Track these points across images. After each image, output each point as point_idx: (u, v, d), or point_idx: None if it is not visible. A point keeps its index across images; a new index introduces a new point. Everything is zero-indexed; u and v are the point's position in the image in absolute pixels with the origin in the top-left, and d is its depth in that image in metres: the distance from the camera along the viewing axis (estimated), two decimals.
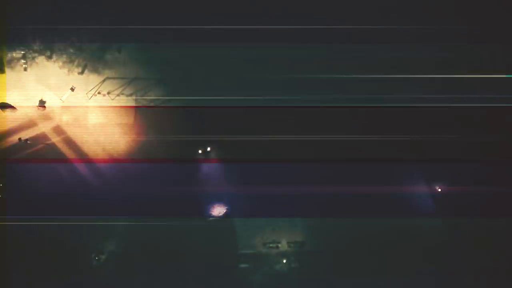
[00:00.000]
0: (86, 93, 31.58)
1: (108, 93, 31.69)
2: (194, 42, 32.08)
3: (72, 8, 32.39)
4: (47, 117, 31.25)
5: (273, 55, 32.02)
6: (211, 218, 30.36)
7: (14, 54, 31.78)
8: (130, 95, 31.74)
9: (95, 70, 31.95)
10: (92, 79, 31.83)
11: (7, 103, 30.59)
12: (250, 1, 32.75)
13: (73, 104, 31.48)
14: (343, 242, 30.14)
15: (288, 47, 32.19)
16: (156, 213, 29.92)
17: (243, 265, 29.65)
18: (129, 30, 32.06)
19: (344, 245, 30.08)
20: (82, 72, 31.98)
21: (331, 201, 30.48)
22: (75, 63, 32.11)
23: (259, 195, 30.46)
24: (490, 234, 30.27)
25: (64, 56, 32.10)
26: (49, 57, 32.06)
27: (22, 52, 31.70)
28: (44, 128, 31.03)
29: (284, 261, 29.86)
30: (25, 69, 31.68)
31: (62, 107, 31.43)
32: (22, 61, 31.56)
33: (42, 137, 30.84)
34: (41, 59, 31.95)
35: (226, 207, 30.50)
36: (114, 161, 30.75)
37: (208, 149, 31.01)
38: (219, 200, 30.57)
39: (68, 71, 31.95)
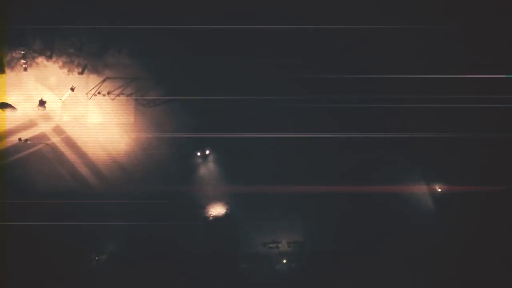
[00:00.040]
0: (86, 93, 31.57)
1: (108, 93, 31.68)
2: None
3: (72, 8, 32.39)
4: (47, 117, 31.24)
5: None
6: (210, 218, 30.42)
7: (14, 54, 31.78)
8: (130, 95, 31.74)
9: (95, 70, 31.94)
10: (92, 79, 31.83)
11: (7, 103, 30.57)
12: None
13: (73, 104, 31.47)
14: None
15: None
16: (156, 212, 30.00)
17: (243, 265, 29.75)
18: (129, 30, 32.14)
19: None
20: (82, 72, 31.97)
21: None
22: (75, 63, 32.10)
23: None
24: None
25: (64, 56, 32.09)
26: (49, 57, 32.06)
27: (22, 52, 31.69)
28: (44, 128, 31.03)
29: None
30: (25, 69, 31.68)
31: (62, 107, 31.43)
32: (22, 61, 31.55)
33: (42, 137, 30.84)
34: (41, 59, 31.95)
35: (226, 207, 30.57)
36: (114, 160, 30.79)
37: (207, 151, 31.03)
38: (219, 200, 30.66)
39: (68, 71, 31.94)
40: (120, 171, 30.72)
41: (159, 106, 31.71)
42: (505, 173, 31.16)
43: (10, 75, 31.56)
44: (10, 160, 30.33)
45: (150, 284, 29.47)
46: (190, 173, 30.97)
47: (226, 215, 30.48)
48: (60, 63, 32.00)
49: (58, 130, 31.05)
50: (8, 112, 30.72)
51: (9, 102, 30.73)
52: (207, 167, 31.13)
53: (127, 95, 31.77)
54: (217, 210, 30.59)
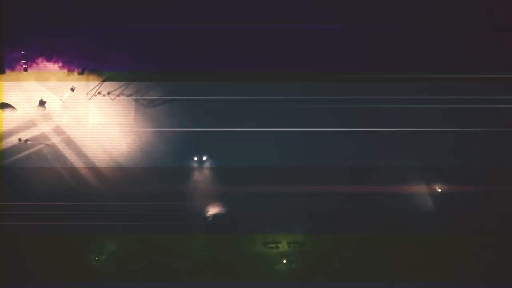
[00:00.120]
0: (86, 94, 31.57)
1: (108, 93, 31.68)
2: None
3: (72, 8, 32.40)
4: (47, 117, 31.24)
5: None
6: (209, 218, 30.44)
7: (14, 54, 31.76)
8: (130, 95, 31.74)
9: (95, 70, 31.94)
10: (92, 79, 31.82)
11: (7, 103, 30.57)
12: None
13: (73, 104, 31.47)
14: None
15: None
16: (156, 212, 30.02)
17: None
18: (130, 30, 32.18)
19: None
20: (82, 73, 31.97)
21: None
22: (75, 63, 32.08)
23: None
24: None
25: (64, 56, 32.08)
26: (49, 57, 32.05)
27: (22, 52, 31.68)
28: (44, 128, 31.03)
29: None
30: (25, 69, 31.68)
31: (62, 107, 31.43)
32: (22, 61, 31.54)
33: (42, 137, 30.84)
34: (41, 59, 31.95)
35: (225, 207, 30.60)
36: (114, 161, 30.81)
37: (204, 158, 31.04)
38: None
39: (68, 71, 31.94)
40: (120, 171, 30.72)
41: (159, 106, 31.72)
42: (505, 173, 31.14)
43: (10, 75, 31.57)
44: (10, 161, 30.33)
45: (150, 284, 29.48)
46: (190, 173, 30.97)
47: (225, 215, 30.48)
48: (60, 63, 32.01)
49: (58, 130, 31.06)
50: (8, 112, 30.72)
51: (9, 102, 30.73)
52: (207, 167, 31.13)
53: (127, 95, 31.77)
54: (216, 210, 30.59)
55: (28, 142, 30.15)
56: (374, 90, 31.87)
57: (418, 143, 31.56)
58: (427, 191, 31.12)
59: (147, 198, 30.14)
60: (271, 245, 30.21)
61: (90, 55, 32.20)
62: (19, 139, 30.04)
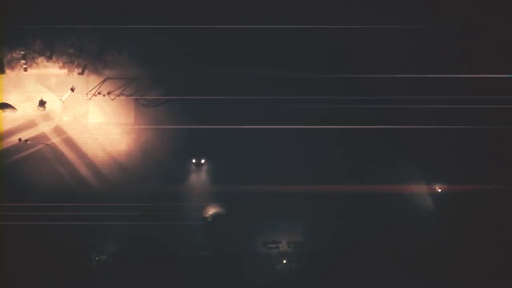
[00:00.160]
0: (86, 94, 31.57)
1: (108, 93, 31.68)
2: None
3: (72, 8, 32.42)
4: (47, 117, 31.24)
5: None
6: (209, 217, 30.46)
7: (14, 54, 31.77)
8: (130, 95, 31.74)
9: (95, 71, 31.95)
10: (92, 80, 31.83)
11: (7, 103, 30.56)
12: None
13: (73, 104, 31.47)
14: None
15: None
16: (156, 213, 30.04)
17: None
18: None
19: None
20: (82, 73, 31.97)
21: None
22: (75, 63, 32.10)
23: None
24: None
25: (64, 56, 32.09)
26: (49, 57, 32.05)
27: (22, 52, 31.68)
28: (44, 128, 31.03)
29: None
30: (25, 69, 31.68)
31: (62, 107, 31.43)
32: (22, 61, 31.54)
33: (42, 137, 30.84)
34: (41, 59, 31.95)
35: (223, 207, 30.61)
36: (114, 161, 30.82)
37: (202, 161, 31.00)
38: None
39: (68, 71, 31.94)
40: (120, 171, 30.72)
41: (159, 106, 31.72)
42: (505, 173, 31.15)
43: (10, 75, 31.57)
44: (10, 160, 30.32)
45: (149, 284, 29.49)
46: (190, 172, 30.97)
47: (225, 215, 30.47)
48: (60, 63, 32.01)
49: (58, 130, 31.06)
50: (8, 112, 30.71)
51: (9, 102, 30.72)
52: (207, 167, 31.13)
53: (127, 95, 31.77)
54: (216, 210, 30.58)
55: (28, 142, 30.14)
56: (374, 90, 31.92)
57: (418, 142, 31.61)
58: (427, 191, 31.13)
59: (147, 198, 30.13)
60: (271, 245, 30.21)
61: (90, 55, 32.20)
62: (19, 139, 30.02)
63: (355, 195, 30.77)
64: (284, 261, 30.04)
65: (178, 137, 31.30)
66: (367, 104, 31.52)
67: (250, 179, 30.75)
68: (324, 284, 29.79)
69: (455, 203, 30.80)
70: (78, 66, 32.07)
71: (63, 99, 31.34)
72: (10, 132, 30.64)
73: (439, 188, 31.05)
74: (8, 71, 31.58)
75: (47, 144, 30.73)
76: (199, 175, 30.98)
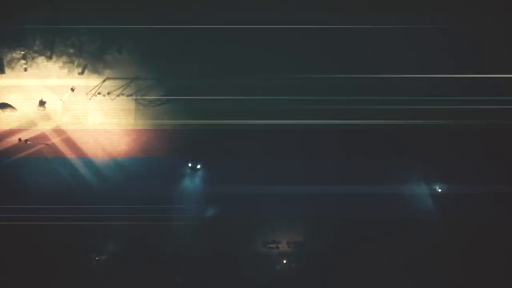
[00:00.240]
0: (86, 94, 31.56)
1: (108, 93, 31.68)
2: None
3: (72, 8, 32.44)
4: (47, 118, 31.25)
5: None
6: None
7: (14, 54, 31.78)
8: (130, 95, 31.75)
9: (95, 71, 31.95)
10: (92, 80, 31.83)
11: (7, 103, 30.57)
12: None
13: (73, 104, 31.47)
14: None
15: None
16: (156, 213, 30.03)
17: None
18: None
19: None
20: (82, 73, 31.98)
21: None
22: (75, 63, 32.11)
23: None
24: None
25: (64, 56, 32.10)
26: (49, 57, 32.06)
27: (22, 52, 31.69)
28: (44, 128, 31.03)
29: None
30: (25, 69, 31.68)
31: (62, 107, 31.43)
32: (22, 61, 31.55)
33: (42, 137, 30.84)
34: (41, 59, 31.95)
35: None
36: (114, 161, 30.81)
37: (198, 166, 30.98)
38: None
39: (68, 71, 31.95)
40: (120, 171, 30.72)
41: (159, 106, 31.72)
42: (505, 172, 31.16)
43: (10, 75, 31.57)
44: (10, 161, 30.32)
45: (150, 284, 29.49)
46: (190, 173, 30.97)
47: (225, 215, 30.47)
48: (60, 63, 32.02)
49: (58, 130, 31.06)
50: (8, 112, 30.72)
51: (9, 102, 30.74)
52: (207, 166, 31.14)
53: (127, 95, 31.77)
54: (216, 210, 30.58)
55: (28, 142, 30.14)
56: (375, 90, 31.94)
57: (418, 142, 31.63)
58: (427, 191, 31.14)
59: (147, 198, 30.12)
60: (271, 245, 30.21)
61: (90, 55, 32.21)
62: (19, 139, 30.02)
63: (355, 195, 30.77)
64: (284, 261, 30.04)
65: (178, 137, 31.31)
66: (367, 105, 31.54)
67: (250, 179, 30.74)
68: (324, 284, 29.79)
69: (455, 203, 30.81)
70: (78, 66, 32.08)
71: (63, 99, 31.35)
72: (10, 132, 30.64)
73: (439, 188, 31.05)
74: (8, 71, 31.58)
75: (47, 144, 30.73)
76: (199, 175, 30.98)
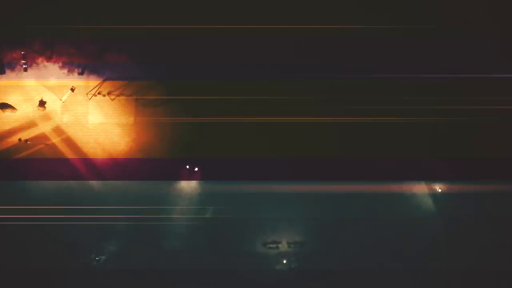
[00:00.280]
0: (86, 94, 31.58)
1: (108, 93, 31.69)
2: None
3: (72, 8, 32.44)
4: (47, 118, 31.26)
5: None
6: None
7: (14, 54, 31.79)
8: (130, 95, 31.75)
9: (95, 71, 31.96)
10: (92, 80, 31.83)
11: (7, 104, 30.59)
12: None
13: (73, 104, 31.48)
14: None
15: None
16: (155, 213, 30.04)
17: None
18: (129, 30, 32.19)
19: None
20: (82, 73, 31.98)
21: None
22: (75, 63, 32.11)
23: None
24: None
25: (64, 56, 32.11)
26: (49, 57, 32.07)
27: (22, 53, 31.70)
28: (44, 128, 31.04)
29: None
30: (25, 70, 31.69)
31: (62, 107, 31.44)
32: (22, 61, 31.56)
33: (42, 138, 30.85)
34: (41, 59, 31.96)
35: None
36: (114, 161, 30.82)
37: (196, 169, 30.98)
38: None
39: (68, 71, 31.96)
40: (120, 171, 30.72)
41: (159, 106, 31.72)
42: (505, 172, 31.16)
43: (10, 75, 31.58)
44: (10, 161, 30.32)
45: (149, 284, 29.49)
46: (190, 173, 30.97)
47: (225, 215, 30.47)
48: (60, 63, 32.03)
49: (58, 130, 31.07)
50: (8, 112, 30.73)
51: (9, 102, 30.75)
52: (207, 166, 31.14)
53: (127, 95, 31.78)
54: (216, 210, 30.58)
55: (28, 142, 30.15)
56: (375, 90, 31.96)
57: (418, 142, 31.63)
58: (427, 191, 31.13)
59: (147, 198, 30.13)
60: (271, 245, 30.21)
61: (90, 55, 32.22)
62: (19, 139, 30.04)
63: (355, 195, 30.78)
64: (284, 261, 30.04)
65: (178, 137, 31.32)
66: (367, 105, 31.56)
67: (250, 179, 30.74)
68: (324, 284, 29.79)
69: (455, 203, 30.80)
70: (78, 66, 32.09)
71: (63, 99, 31.36)
72: (10, 132, 30.65)
73: (439, 188, 31.05)
74: (8, 71, 31.59)
75: (47, 144, 30.74)
76: (199, 175, 30.98)
